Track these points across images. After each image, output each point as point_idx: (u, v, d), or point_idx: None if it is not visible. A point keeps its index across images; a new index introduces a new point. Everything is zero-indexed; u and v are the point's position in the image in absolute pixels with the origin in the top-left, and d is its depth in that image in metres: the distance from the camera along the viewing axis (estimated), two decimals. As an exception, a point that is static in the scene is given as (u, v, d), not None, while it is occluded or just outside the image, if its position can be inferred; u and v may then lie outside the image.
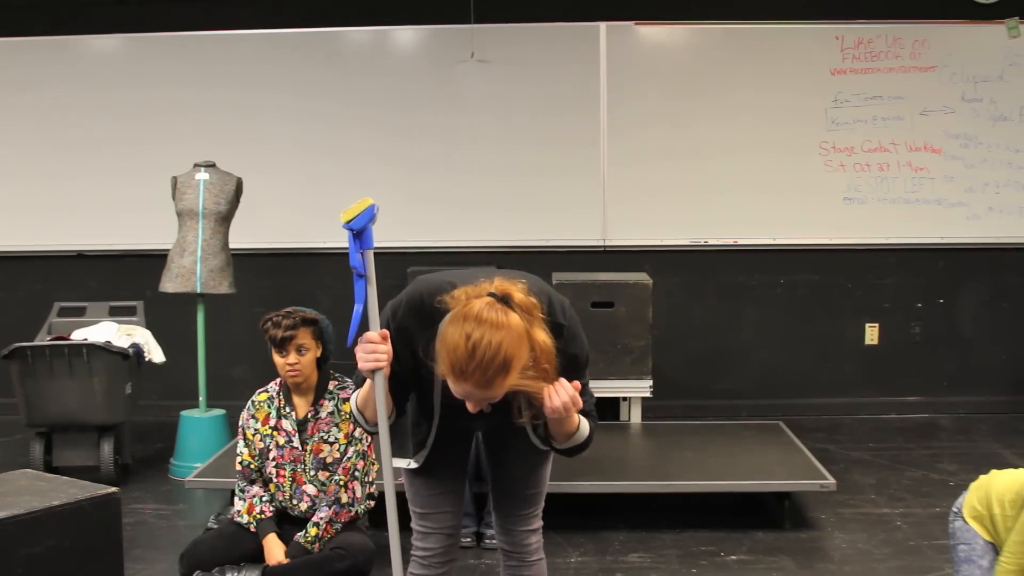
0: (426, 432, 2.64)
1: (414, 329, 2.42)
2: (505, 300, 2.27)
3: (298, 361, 3.70)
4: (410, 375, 2.49)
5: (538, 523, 2.81)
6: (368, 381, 2.46)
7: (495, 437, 2.73)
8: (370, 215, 2.39)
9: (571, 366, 2.40)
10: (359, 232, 2.39)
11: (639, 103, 6.38)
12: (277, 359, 3.73)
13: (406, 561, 2.70)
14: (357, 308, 2.41)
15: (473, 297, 2.28)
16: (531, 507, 2.77)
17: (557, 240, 6.45)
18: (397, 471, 2.67)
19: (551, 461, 2.78)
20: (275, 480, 3.80)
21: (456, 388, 2.29)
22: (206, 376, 5.50)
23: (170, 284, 5.34)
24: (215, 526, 4.11)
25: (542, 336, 2.28)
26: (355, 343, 2.41)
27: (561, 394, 2.29)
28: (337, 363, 3.83)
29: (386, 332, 2.41)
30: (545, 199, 6.42)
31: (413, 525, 2.76)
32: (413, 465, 2.69)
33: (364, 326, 2.43)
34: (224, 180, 5.40)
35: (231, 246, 5.45)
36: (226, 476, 4.24)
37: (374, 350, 2.38)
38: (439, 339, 2.27)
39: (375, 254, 2.46)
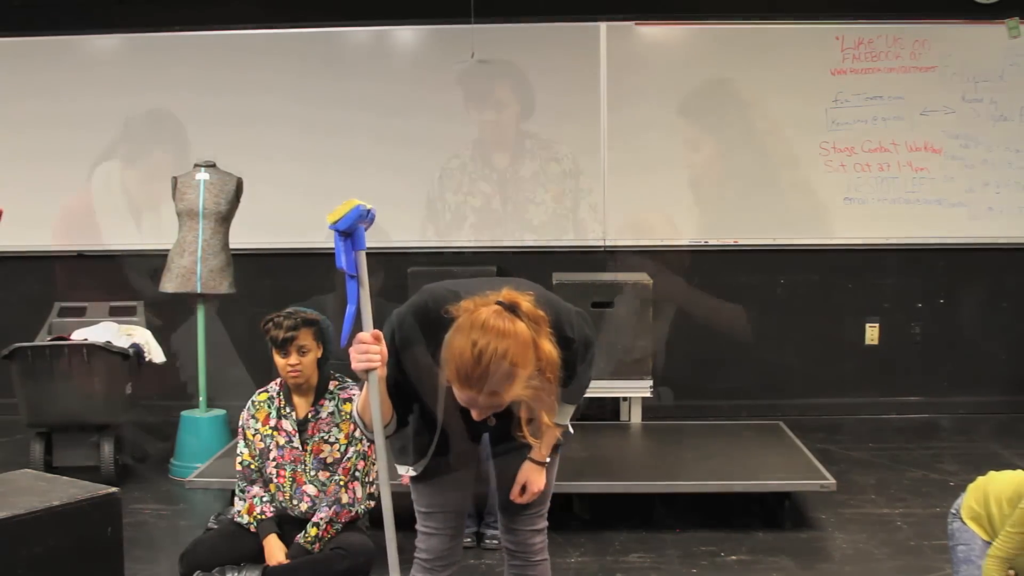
0: (427, 442, 2.64)
1: (419, 339, 2.42)
2: (512, 309, 2.27)
3: (299, 362, 3.70)
4: (413, 387, 2.49)
5: (543, 523, 2.82)
6: (365, 385, 2.47)
7: (502, 437, 2.72)
8: (357, 215, 2.37)
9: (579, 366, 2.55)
10: (348, 233, 2.39)
11: (639, 102, 6.37)
12: (278, 360, 3.73)
13: (404, 562, 2.69)
14: (350, 309, 2.42)
15: (481, 306, 2.28)
16: (536, 507, 2.77)
17: (557, 240, 6.45)
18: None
19: (557, 461, 2.78)
20: (275, 480, 3.79)
21: (461, 395, 2.29)
22: (206, 376, 5.50)
23: (170, 284, 5.34)
24: (215, 526, 4.11)
25: (548, 346, 2.30)
26: (349, 344, 2.42)
27: (526, 497, 2.70)
28: (337, 363, 3.83)
29: (379, 332, 2.41)
30: (545, 199, 6.42)
31: (417, 526, 2.76)
32: (412, 473, 2.69)
33: (358, 327, 2.43)
34: (224, 180, 5.39)
35: (231, 246, 5.44)
36: (226, 476, 4.24)
37: (367, 350, 2.38)
38: (445, 346, 2.28)
39: (367, 254, 2.46)
